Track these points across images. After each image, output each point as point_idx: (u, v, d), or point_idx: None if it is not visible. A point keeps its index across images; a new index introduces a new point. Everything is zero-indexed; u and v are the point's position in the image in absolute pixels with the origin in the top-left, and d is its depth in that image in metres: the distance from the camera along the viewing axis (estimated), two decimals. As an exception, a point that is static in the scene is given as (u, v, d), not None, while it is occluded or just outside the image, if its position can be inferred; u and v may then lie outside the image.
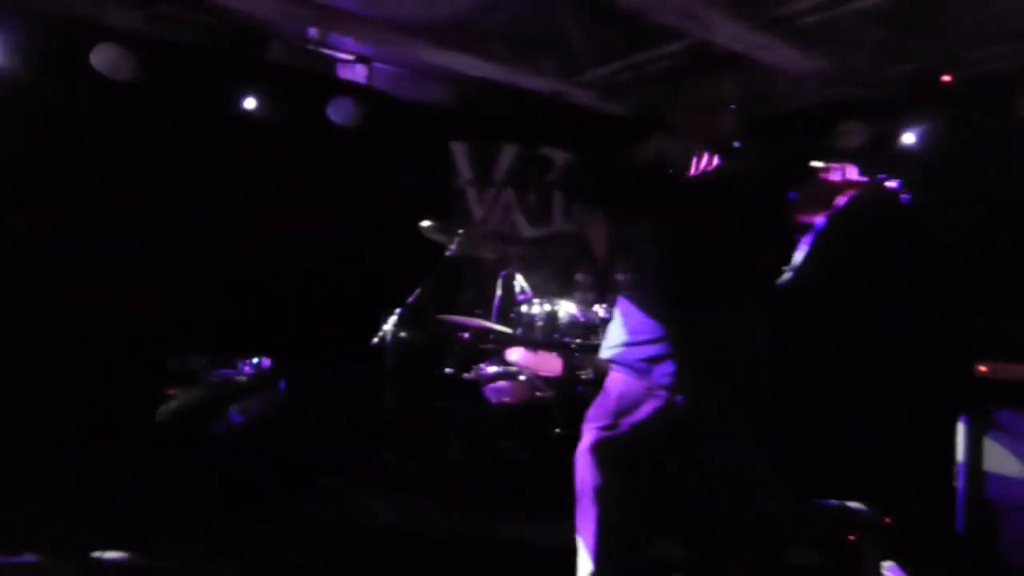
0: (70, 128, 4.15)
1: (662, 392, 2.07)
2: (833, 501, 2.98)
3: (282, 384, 4.23)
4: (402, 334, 4.08)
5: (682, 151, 2.12)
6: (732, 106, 2.15)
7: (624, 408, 2.12)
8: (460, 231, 4.20)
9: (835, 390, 3.92)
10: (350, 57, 4.97)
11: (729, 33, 3.81)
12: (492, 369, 4.14)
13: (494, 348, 4.19)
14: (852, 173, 1.80)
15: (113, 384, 4.00)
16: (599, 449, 2.13)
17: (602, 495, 2.10)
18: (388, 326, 4.04)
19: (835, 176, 1.81)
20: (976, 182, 4.06)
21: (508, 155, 5.54)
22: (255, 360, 4.22)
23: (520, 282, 4.22)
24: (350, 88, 5.07)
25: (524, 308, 4.06)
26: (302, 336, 4.51)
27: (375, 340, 4.02)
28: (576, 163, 4.85)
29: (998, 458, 3.31)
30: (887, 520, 3.28)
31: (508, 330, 4.08)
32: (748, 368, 2.09)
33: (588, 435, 2.18)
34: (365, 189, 5.06)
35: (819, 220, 1.93)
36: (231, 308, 4.47)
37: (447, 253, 4.18)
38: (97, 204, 4.23)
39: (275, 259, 4.64)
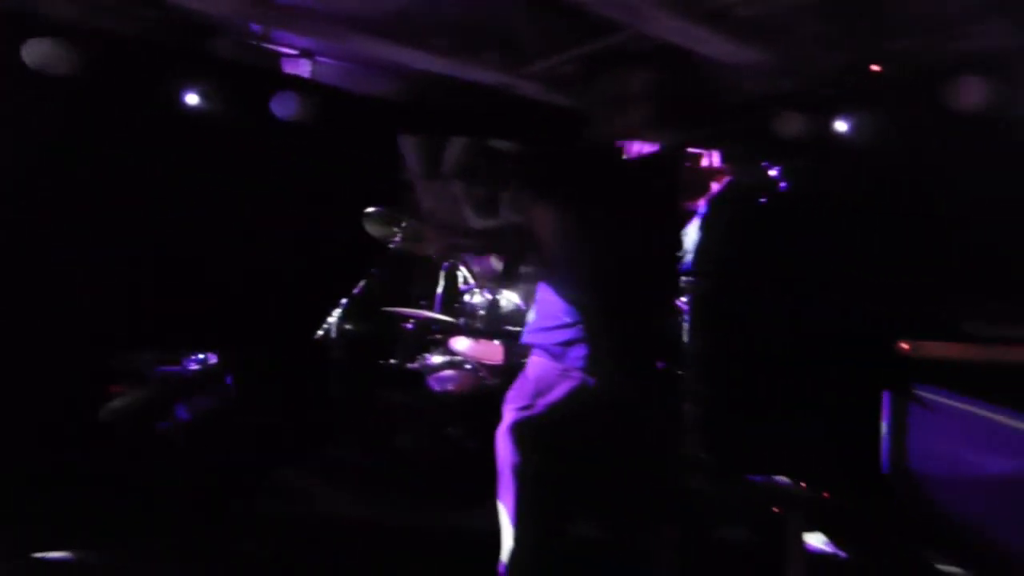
0: (8, 124, 4.12)
1: (576, 374, 2.15)
2: (760, 477, 3.09)
3: (229, 379, 4.24)
4: (347, 326, 4.12)
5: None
6: (644, 99, 2.21)
7: (541, 389, 2.20)
8: (404, 222, 4.24)
9: (766, 372, 4.05)
10: (294, 52, 4.97)
11: (666, 26, 3.89)
12: (437, 359, 4.20)
13: (439, 338, 4.25)
14: (716, 159, 1.89)
15: (56, 382, 3.99)
16: (517, 429, 2.20)
17: (521, 473, 2.18)
18: (333, 318, 4.08)
19: (704, 162, 1.89)
20: (905, 170, 4.20)
21: (456, 147, 5.59)
22: (201, 356, 4.22)
23: (464, 273, 4.28)
24: (295, 82, 5.07)
25: (467, 298, 4.13)
26: (249, 330, 4.52)
27: (320, 332, 4.05)
28: (527, 151, 4.92)
29: (920, 432, 3.46)
30: (825, 495, 3.42)
31: (452, 320, 4.14)
32: (657, 350, 2.18)
33: (507, 415, 2.25)
34: (314, 183, 5.08)
35: (701, 205, 2.02)
36: (177, 304, 4.47)
37: (391, 245, 4.22)
38: (39, 200, 4.21)
39: (221, 254, 4.65)
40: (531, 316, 2.32)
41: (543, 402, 2.18)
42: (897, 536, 3.35)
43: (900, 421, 3.49)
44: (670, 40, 4.02)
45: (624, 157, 2.19)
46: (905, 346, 3.59)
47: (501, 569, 2.20)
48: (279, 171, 4.92)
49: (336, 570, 3.08)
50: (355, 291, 4.12)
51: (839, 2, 4.03)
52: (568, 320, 2.17)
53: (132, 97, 4.45)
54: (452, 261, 4.38)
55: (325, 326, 4.07)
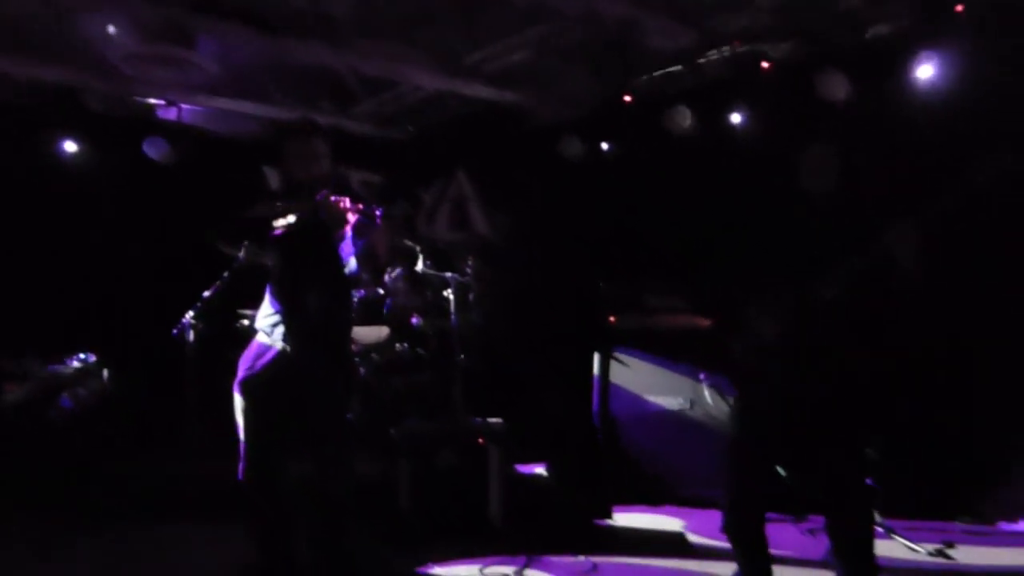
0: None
1: (279, 345, 3.21)
2: (478, 419, 4.17)
3: (105, 373, 5.26)
4: (199, 325, 5.17)
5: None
6: (322, 158, 3.27)
7: (259, 355, 3.25)
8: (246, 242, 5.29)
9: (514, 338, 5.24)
10: (162, 103, 5.98)
11: (430, 81, 4.98)
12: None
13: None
14: (348, 203, 2.95)
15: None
16: (243, 383, 3.25)
17: (245, 414, 3.23)
18: (187, 319, 5.12)
19: (341, 204, 2.96)
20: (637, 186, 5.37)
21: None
22: (82, 355, 5.24)
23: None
24: (167, 127, 6.09)
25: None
26: (121, 334, 5.57)
27: (175, 331, 5.09)
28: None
29: (618, 383, 4.60)
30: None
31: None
32: (332, 330, 3.26)
33: (239, 374, 3.30)
34: (187, 213, 6.08)
35: (348, 232, 3.07)
36: (66, 316, 5.51)
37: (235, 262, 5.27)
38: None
39: (105, 274, 5.71)
40: (260, 310, 3.38)
41: (260, 363, 3.23)
42: (597, 462, 4.47)
43: (605, 376, 4.62)
44: (441, 89, 5.12)
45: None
46: (612, 319, 4.73)
47: (239, 475, 3.24)
48: (148, 202, 5.94)
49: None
50: (205, 295, 5.15)
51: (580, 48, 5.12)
52: (275, 311, 3.23)
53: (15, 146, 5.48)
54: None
55: (180, 325, 5.12)
